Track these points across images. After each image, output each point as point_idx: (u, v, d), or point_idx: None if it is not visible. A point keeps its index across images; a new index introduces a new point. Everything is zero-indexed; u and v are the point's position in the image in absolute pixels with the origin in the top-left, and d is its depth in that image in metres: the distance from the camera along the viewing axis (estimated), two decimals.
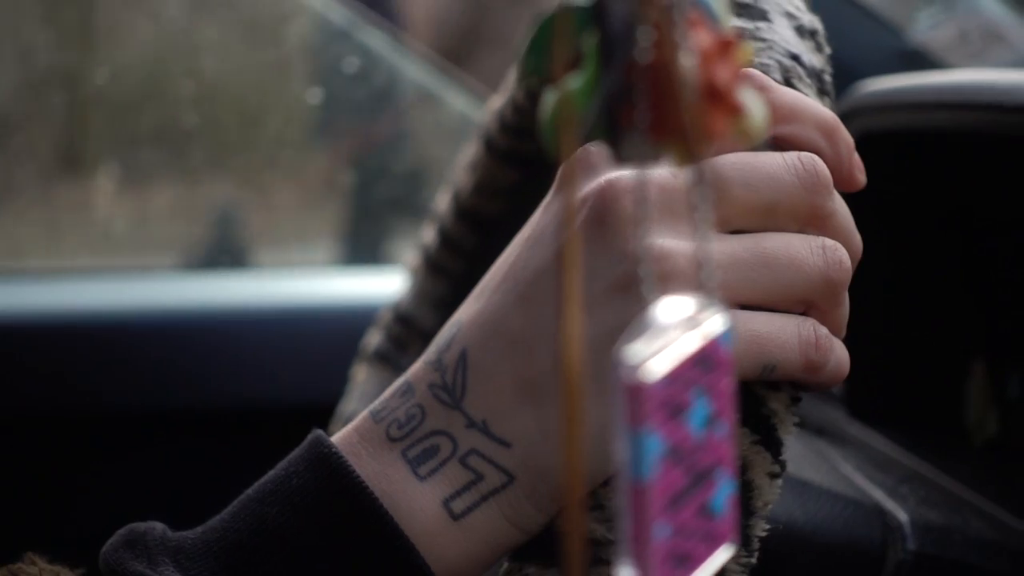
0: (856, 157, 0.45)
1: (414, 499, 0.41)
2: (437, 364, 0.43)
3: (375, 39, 1.50)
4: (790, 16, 0.48)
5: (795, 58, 0.46)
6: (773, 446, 0.42)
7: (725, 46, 0.29)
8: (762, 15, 0.47)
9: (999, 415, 0.80)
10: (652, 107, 0.27)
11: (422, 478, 0.42)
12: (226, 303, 1.22)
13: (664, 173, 0.41)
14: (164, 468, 1.13)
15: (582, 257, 0.41)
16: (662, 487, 0.27)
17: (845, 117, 0.79)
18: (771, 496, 0.42)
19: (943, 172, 0.80)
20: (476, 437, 0.42)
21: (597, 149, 0.42)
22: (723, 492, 0.30)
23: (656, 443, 0.27)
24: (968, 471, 0.71)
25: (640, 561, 0.27)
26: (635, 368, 0.27)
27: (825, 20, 1.05)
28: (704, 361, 0.29)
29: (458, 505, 0.41)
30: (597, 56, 0.28)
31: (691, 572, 0.29)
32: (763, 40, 0.46)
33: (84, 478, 1.12)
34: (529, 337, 0.41)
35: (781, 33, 0.47)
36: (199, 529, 0.42)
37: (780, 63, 0.46)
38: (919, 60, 1.06)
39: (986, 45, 1.10)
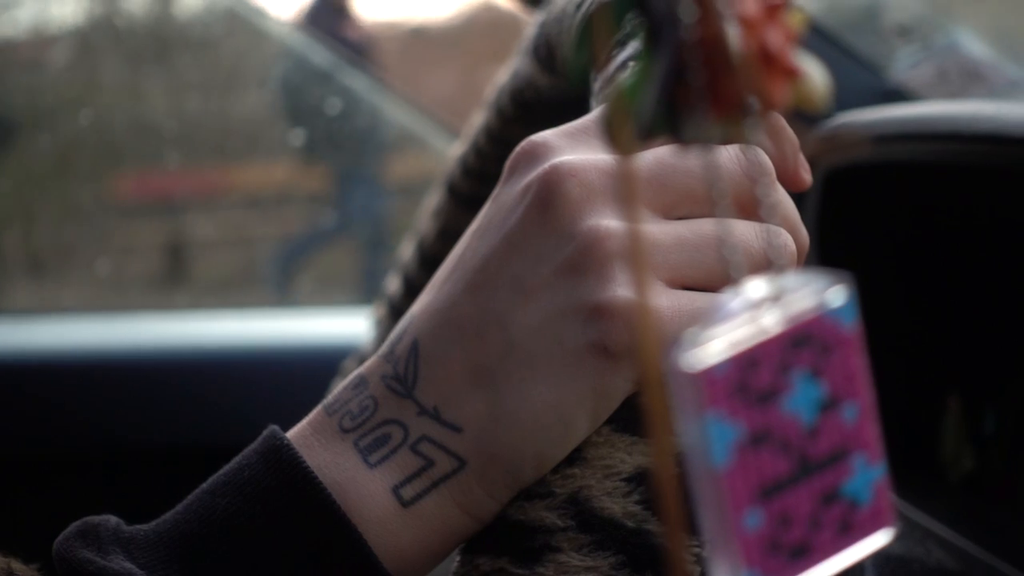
0: (801, 157, 0.46)
1: (363, 486, 0.41)
2: (389, 356, 0.44)
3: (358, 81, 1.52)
4: None
5: None
6: None
7: (773, 10, 0.28)
8: None
9: (975, 451, 0.80)
10: (708, 83, 0.27)
11: (372, 466, 0.42)
12: (222, 342, 1.23)
13: (606, 157, 0.42)
14: (151, 505, 1.13)
15: (531, 242, 0.41)
16: (744, 475, 0.26)
17: (816, 153, 0.80)
18: None
19: (916, 205, 0.80)
20: (427, 424, 0.42)
21: (543, 139, 0.43)
22: (862, 478, 0.28)
23: (727, 429, 0.26)
24: (942, 506, 0.71)
25: (729, 551, 0.26)
26: (691, 354, 0.26)
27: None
28: (806, 341, 0.27)
29: (408, 492, 0.41)
30: (646, 44, 0.28)
31: (815, 563, 0.28)
32: None
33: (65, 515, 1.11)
34: (479, 323, 0.42)
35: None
36: (153, 522, 0.42)
37: None
38: (899, 99, 1.06)
39: (965, 83, 1.10)
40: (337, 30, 3.28)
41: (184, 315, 1.45)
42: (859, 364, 0.28)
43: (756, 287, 0.28)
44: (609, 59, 0.49)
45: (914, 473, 0.79)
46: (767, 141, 0.44)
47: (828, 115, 0.91)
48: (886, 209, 0.81)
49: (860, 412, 0.28)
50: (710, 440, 0.26)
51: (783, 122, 0.45)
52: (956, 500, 0.76)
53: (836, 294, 0.28)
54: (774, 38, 0.28)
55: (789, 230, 0.43)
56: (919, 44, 1.17)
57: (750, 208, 0.43)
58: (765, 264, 0.42)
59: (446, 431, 0.42)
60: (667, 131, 0.28)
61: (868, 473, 0.28)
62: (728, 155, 0.43)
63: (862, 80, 1.08)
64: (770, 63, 0.28)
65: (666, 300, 0.40)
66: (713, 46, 0.27)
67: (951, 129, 0.65)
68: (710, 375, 0.26)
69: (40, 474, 1.13)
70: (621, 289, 0.39)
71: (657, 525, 0.41)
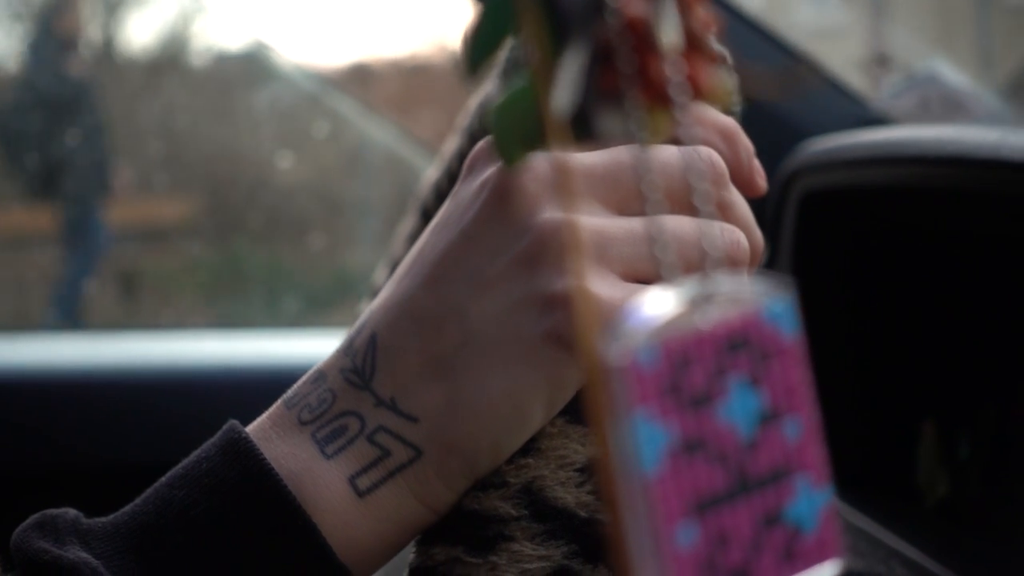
0: (756, 163, 0.47)
1: (319, 477, 0.42)
2: (348, 349, 0.44)
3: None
4: None
5: None
6: None
7: None
8: None
9: (950, 476, 0.80)
10: (637, 70, 0.26)
11: (329, 456, 0.42)
12: (199, 362, 1.23)
13: (566, 154, 0.43)
14: None
15: (488, 236, 0.42)
16: (678, 483, 0.25)
17: (790, 177, 0.81)
18: None
19: (891, 229, 0.81)
20: (384, 414, 0.42)
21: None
22: (807, 502, 0.26)
23: (658, 432, 0.25)
24: (914, 530, 0.71)
25: (658, 568, 0.25)
26: (619, 347, 0.24)
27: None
28: (742, 346, 0.26)
29: (364, 482, 0.42)
30: (550, 40, 0.27)
31: None
32: None
33: None
34: (437, 315, 0.42)
35: None
36: (112, 515, 0.43)
37: None
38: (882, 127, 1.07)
39: (947, 113, 1.11)
40: (60, 65, 3.25)
41: (168, 335, 1.46)
42: (801, 377, 0.27)
43: (690, 285, 0.26)
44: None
45: (889, 498, 0.79)
46: (722, 145, 0.45)
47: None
48: (861, 233, 0.81)
49: (803, 430, 0.27)
50: (639, 442, 0.25)
51: (737, 127, 0.46)
52: (930, 525, 0.76)
53: (776, 300, 0.26)
54: (698, 23, 0.27)
55: (743, 230, 0.44)
56: (902, 75, 1.18)
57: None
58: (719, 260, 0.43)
59: (403, 421, 0.42)
60: (587, 125, 0.27)
61: (813, 498, 0.27)
62: (682, 154, 0.43)
63: (846, 108, 1.09)
64: (694, 49, 0.27)
65: (619, 293, 0.41)
66: (640, 31, 0.26)
67: (917, 153, 0.66)
68: (639, 370, 0.25)
69: (15, 492, 1.13)
70: (576, 280, 0.40)
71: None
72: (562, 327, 0.40)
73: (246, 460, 0.41)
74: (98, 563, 0.40)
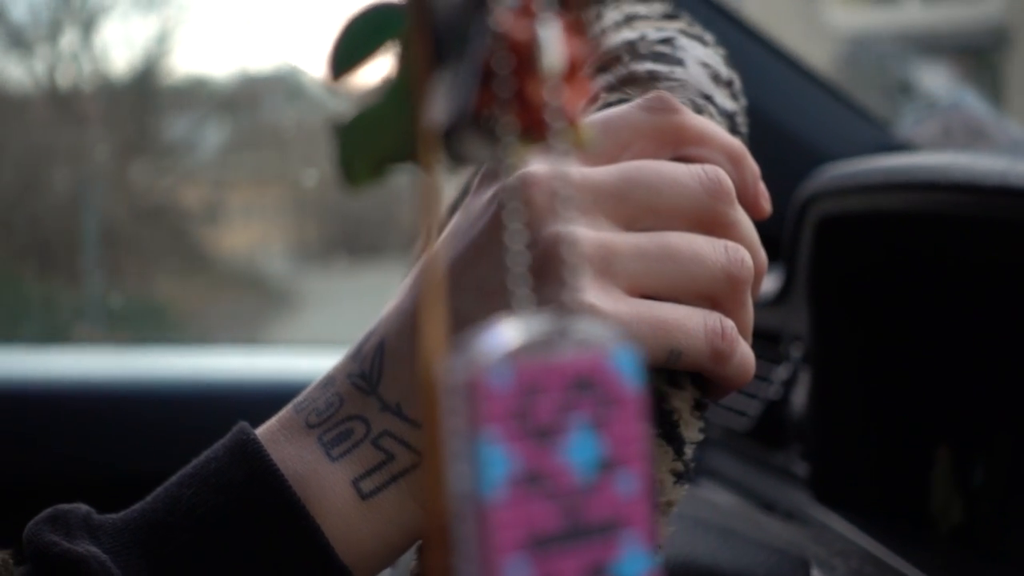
0: (762, 186, 0.48)
1: (324, 479, 0.43)
2: (356, 355, 0.45)
3: None
4: (706, 65, 0.51)
5: (707, 98, 0.49)
6: (675, 442, 0.43)
7: (576, 24, 0.27)
8: (678, 62, 0.50)
9: (964, 502, 0.80)
10: (516, 91, 0.26)
11: (334, 459, 0.43)
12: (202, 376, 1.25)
13: (572, 169, 0.43)
14: None
15: (496, 247, 0.43)
16: (516, 515, 0.24)
17: (806, 201, 0.81)
18: (674, 496, 0.43)
19: (907, 255, 0.81)
20: (389, 419, 0.43)
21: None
22: (634, 563, 0.26)
23: (502, 458, 0.24)
24: (929, 557, 0.71)
25: None
26: (478, 362, 0.24)
27: (813, 115, 1.08)
28: (588, 388, 0.25)
29: (367, 485, 0.43)
30: (425, 57, 0.26)
31: None
32: (676, 80, 0.49)
33: None
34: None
35: (695, 77, 0.50)
36: (122, 512, 0.44)
37: (693, 101, 0.48)
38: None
39: (969, 140, 1.11)
40: None
41: (180, 349, 1.48)
42: (639, 433, 0.26)
43: (545, 318, 0.25)
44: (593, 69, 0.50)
45: (903, 524, 0.79)
46: (729, 166, 0.46)
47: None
48: (878, 258, 0.81)
49: (636, 486, 0.26)
50: (483, 464, 0.24)
51: (744, 150, 0.47)
52: (944, 551, 0.76)
53: (625, 350, 0.26)
54: (578, 53, 0.27)
55: (748, 249, 0.44)
56: (924, 102, 1.18)
57: (710, 225, 0.44)
58: (722, 278, 0.43)
59: (407, 426, 0.43)
60: (455, 146, 0.26)
61: (638, 560, 0.26)
62: (689, 172, 0.44)
63: (869, 135, 1.09)
64: (572, 77, 0.27)
65: (625, 307, 0.41)
66: (522, 54, 0.26)
67: (928, 179, 0.66)
68: (490, 388, 0.24)
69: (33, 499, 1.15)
70: (582, 293, 0.41)
71: None
72: None
73: (253, 461, 0.42)
74: (106, 557, 0.41)
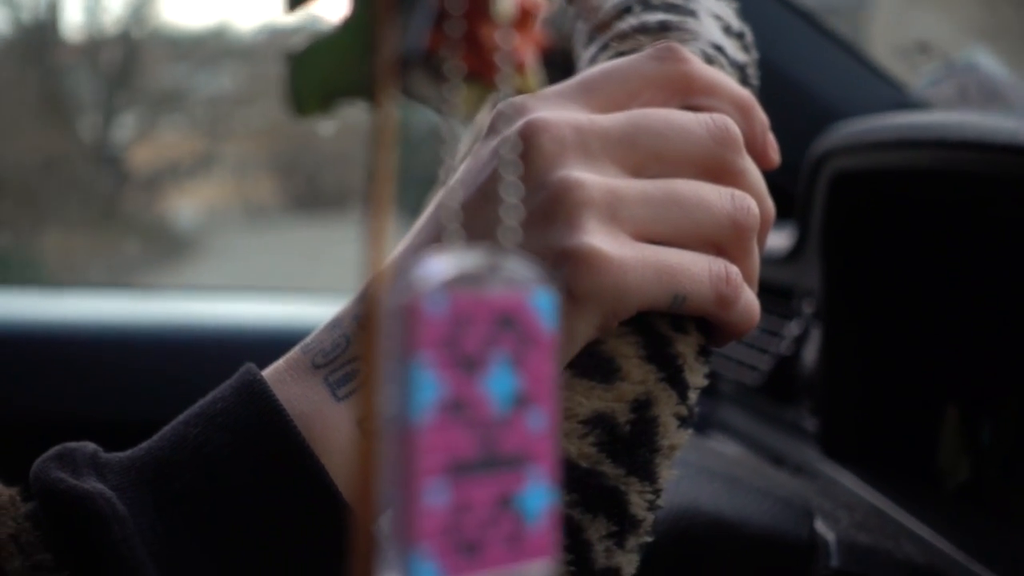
0: (771, 136, 0.48)
1: (329, 419, 0.43)
2: (363, 296, 0.45)
3: None
4: (718, 17, 0.51)
5: (718, 49, 0.49)
6: (679, 386, 0.44)
7: None
8: (690, 12, 0.50)
9: (971, 461, 0.81)
10: (466, 33, 0.27)
11: (340, 399, 0.43)
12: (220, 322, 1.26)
13: (579, 115, 0.44)
14: None
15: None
16: (439, 440, 0.25)
17: (820, 158, 0.81)
18: (678, 440, 0.43)
19: (918, 213, 0.81)
20: None
21: (520, 100, 0.45)
22: (537, 497, 0.27)
23: (431, 384, 0.25)
24: (935, 514, 0.71)
25: (405, 520, 0.24)
26: (418, 287, 0.25)
27: (832, 76, 1.07)
28: (510, 324, 0.26)
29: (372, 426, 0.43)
30: None
31: (482, 568, 0.26)
32: (687, 31, 0.49)
33: None
34: None
35: (707, 27, 0.50)
36: (129, 450, 0.44)
37: (703, 51, 0.49)
38: None
39: (985, 101, 1.11)
40: None
41: (178, 293, 1.49)
42: (551, 372, 0.27)
43: (479, 253, 0.26)
44: (606, 18, 0.51)
45: (910, 480, 0.80)
46: (738, 116, 0.46)
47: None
48: (890, 216, 0.81)
49: (544, 424, 0.27)
50: (414, 388, 0.24)
51: (754, 100, 0.47)
52: (950, 508, 0.77)
53: (544, 291, 0.27)
54: (532, 1, 0.27)
55: (755, 197, 0.45)
56: (940, 63, 1.18)
57: (717, 173, 0.44)
58: (728, 225, 0.43)
59: None
60: (405, 84, 0.27)
61: (540, 493, 0.27)
62: (697, 120, 0.44)
63: (885, 95, 1.09)
64: (524, 24, 0.27)
65: (630, 251, 0.42)
66: None
67: (939, 136, 0.66)
68: (425, 314, 0.25)
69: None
70: (588, 236, 0.41)
71: (611, 467, 0.42)
72: (573, 282, 0.41)
73: (259, 401, 0.43)
74: (112, 494, 0.41)
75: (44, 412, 1.16)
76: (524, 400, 0.26)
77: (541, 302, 0.27)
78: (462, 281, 0.25)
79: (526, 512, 0.26)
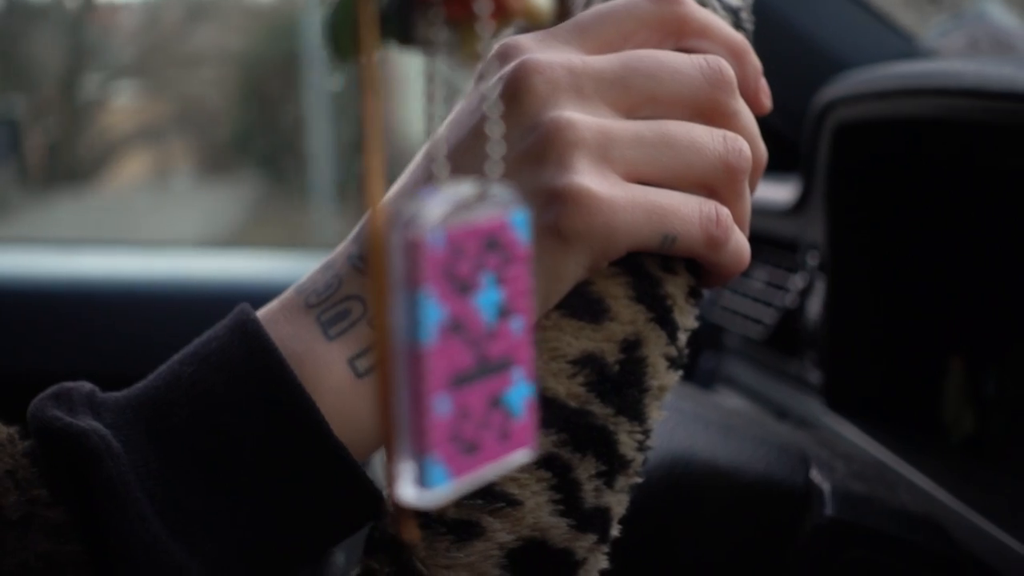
0: (763, 81, 0.48)
1: (320, 357, 0.43)
2: (357, 237, 0.46)
3: None
4: None
5: None
6: (668, 326, 0.44)
7: None
8: None
9: (976, 413, 0.80)
10: None
11: (331, 338, 0.44)
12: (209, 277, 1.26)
13: (572, 56, 0.44)
14: None
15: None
16: (442, 358, 0.28)
17: (824, 108, 0.80)
18: (667, 381, 0.44)
19: (924, 163, 0.80)
20: None
21: (515, 41, 0.45)
22: (519, 392, 0.30)
23: (435, 309, 0.28)
24: (939, 466, 0.71)
25: (417, 432, 0.27)
26: (419, 225, 0.27)
27: (839, 26, 1.06)
28: (495, 245, 0.29)
29: (363, 363, 0.43)
30: None
31: (481, 464, 0.29)
32: None
33: None
34: None
35: None
36: (125, 390, 0.45)
37: None
38: None
39: (996, 52, 1.10)
40: None
41: (161, 249, 1.49)
42: (528, 283, 0.30)
43: (466, 185, 0.29)
44: None
45: (915, 433, 0.79)
46: (731, 60, 0.46)
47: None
48: (894, 166, 0.81)
49: (524, 328, 0.30)
50: (421, 316, 0.27)
51: (747, 44, 0.47)
52: (955, 461, 0.77)
53: (520, 211, 0.30)
54: None
55: (747, 140, 0.44)
56: (950, 14, 1.16)
57: (710, 114, 0.44)
58: (720, 166, 0.43)
59: None
60: (398, 31, 0.28)
61: (523, 388, 0.30)
62: (691, 61, 0.44)
63: (894, 46, 1.08)
64: None
65: (621, 192, 0.42)
66: None
67: (940, 85, 0.65)
68: (428, 250, 0.27)
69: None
70: (579, 176, 0.41)
71: (600, 407, 0.42)
72: (563, 221, 0.41)
73: (252, 340, 0.43)
74: (107, 432, 0.42)
75: (43, 368, 1.17)
76: (507, 310, 0.30)
77: (517, 220, 0.30)
78: (455, 213, 0.28)
79: (512, 408, 0.30)
